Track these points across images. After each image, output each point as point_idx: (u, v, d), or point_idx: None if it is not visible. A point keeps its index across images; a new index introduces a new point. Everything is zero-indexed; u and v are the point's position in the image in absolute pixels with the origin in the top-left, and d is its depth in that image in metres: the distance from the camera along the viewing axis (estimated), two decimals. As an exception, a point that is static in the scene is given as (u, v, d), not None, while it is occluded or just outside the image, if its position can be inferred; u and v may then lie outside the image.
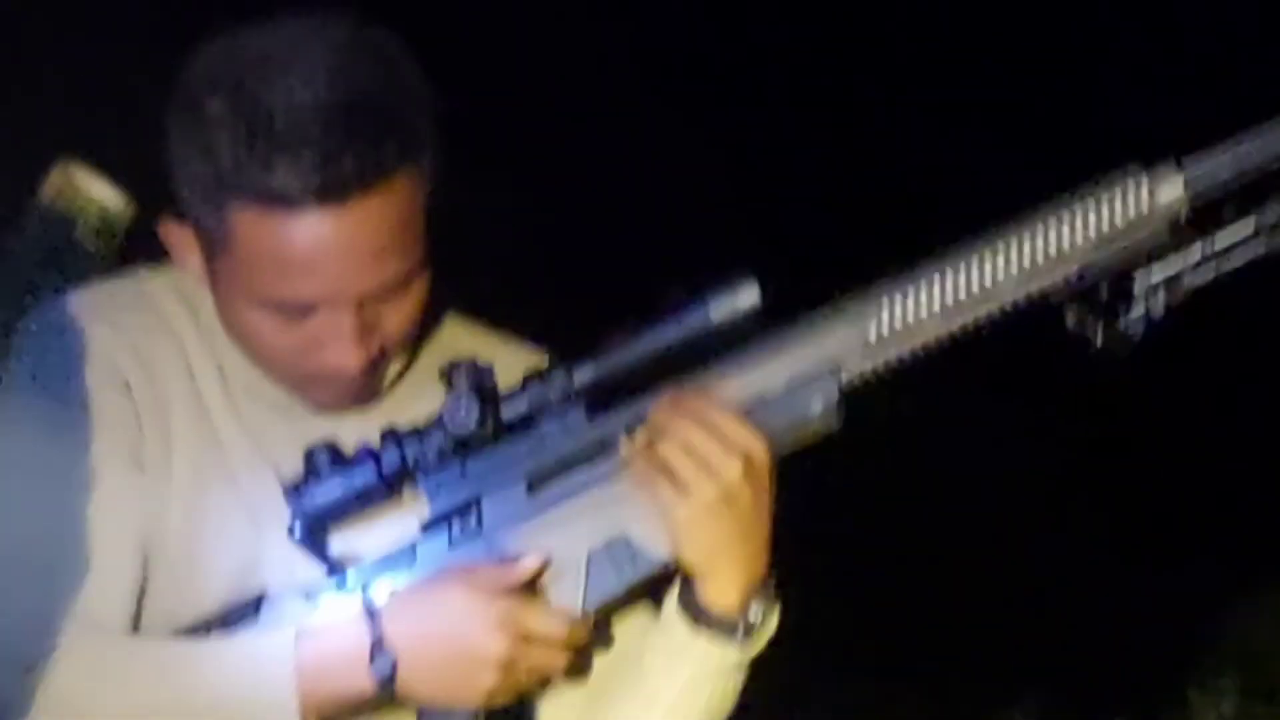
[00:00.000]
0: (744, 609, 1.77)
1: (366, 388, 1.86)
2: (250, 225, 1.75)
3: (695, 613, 1.77)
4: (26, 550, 1.78)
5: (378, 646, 1.72)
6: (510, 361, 1.89)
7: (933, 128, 5.27)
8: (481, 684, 1.72)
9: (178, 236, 1.84)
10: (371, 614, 1.74)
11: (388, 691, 1.73)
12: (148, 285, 1.95)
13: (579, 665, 1.84)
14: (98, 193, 2.52)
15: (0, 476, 1.82)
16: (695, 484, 1.70)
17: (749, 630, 1.78)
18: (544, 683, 1.80)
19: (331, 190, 1.71)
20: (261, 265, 1.76)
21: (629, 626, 1.88)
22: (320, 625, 1.76)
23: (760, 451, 1.71)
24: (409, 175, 1.75)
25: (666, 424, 1.72)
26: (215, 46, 1.78)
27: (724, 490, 1.71)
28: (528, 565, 1.75)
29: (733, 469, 1.70)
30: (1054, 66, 5.30)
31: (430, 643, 1.73)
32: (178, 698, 1.73)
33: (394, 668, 1.72)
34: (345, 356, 1.80)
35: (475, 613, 1.73)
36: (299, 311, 1.78)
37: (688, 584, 1.77)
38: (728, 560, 1.75)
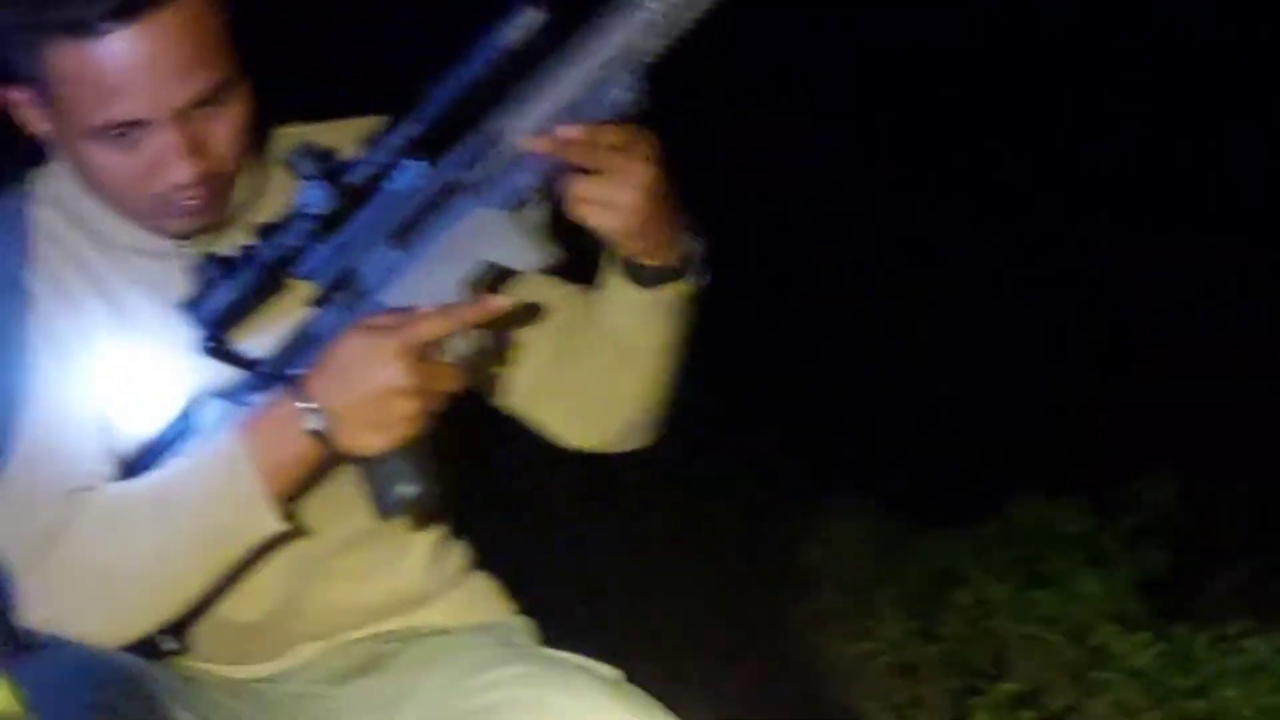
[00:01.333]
0: (677, 260, 2.03)
1: (212, 205, 2.05)
2: (62, 59, 1.94)
3: (647, 277, 2.04)
4: None
5: (305, 406, 1.93)
6: (350, 137, 2.10)
7: None
8: (403, 413, 1.92)
9: (13, 99, 2.03)
10: (291, 383, 1.96)
11: (329, 446, 1.93)
12: (26, 189, 2.15)
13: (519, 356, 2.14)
14: None
15: None
16: (620, 193, 1.92)
17: (688, 270, 2.05)
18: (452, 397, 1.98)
19: (123, 11, 1.90)
20: (82, 95, 1.96)
21: (571, 330, 2.15)
22: (250, 413, 1.98)
23: (644, 141, 1.91)
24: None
25: (570, 154, 1.90)
26: None
27: (641, 187, 1.92)
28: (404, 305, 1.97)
29: (642, 169, 1.91)
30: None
31: (348, 388, 1.93)
32: (169, 524, 1.96)
33: (325, 420, 1.92)
34: (181, 171, 1.98)
35: (375, 351, 1.92)
36: (128, 136, 1.98)
37: (629, 260, 2.03)
38: (656, 231, 1.98)
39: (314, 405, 1.95)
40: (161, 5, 1.92)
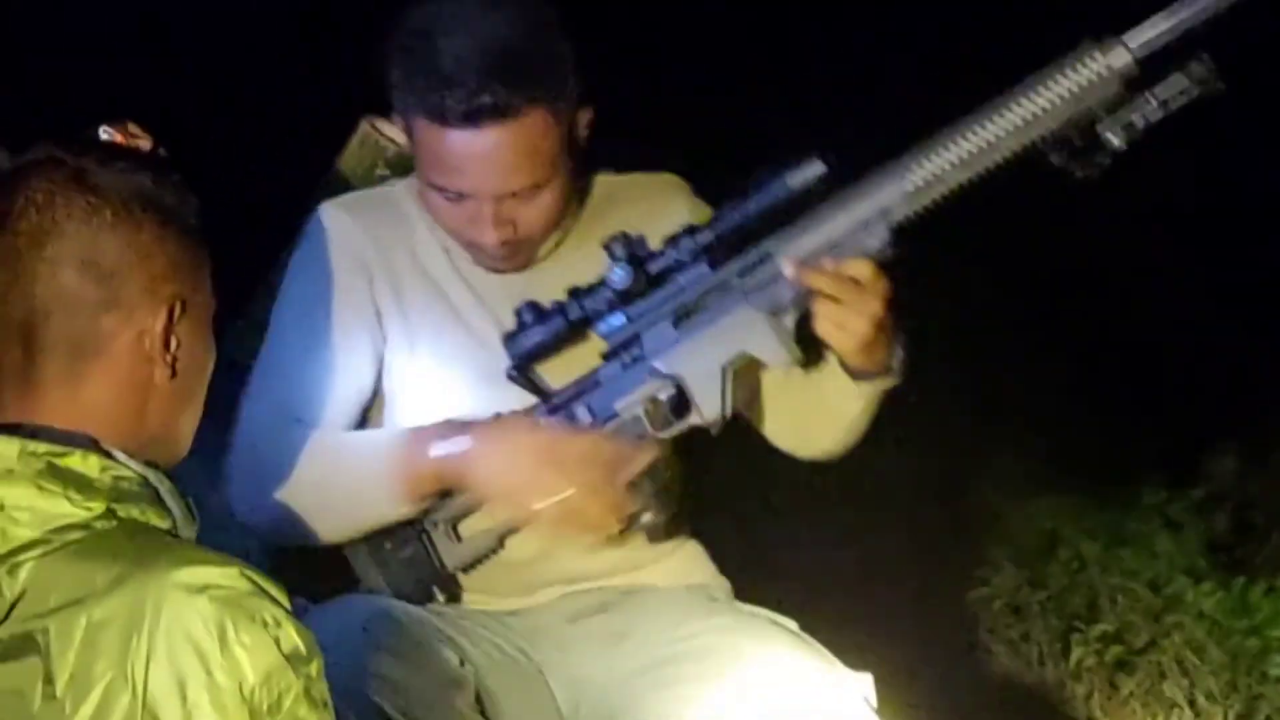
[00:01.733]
0: (885, 366, 2.29)
1: (512, 259, 2.36)
2: (424, 131, 2.26)
3: (860, 377, 2.30)
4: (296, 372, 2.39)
5: (454, 434, 2.26)
6: (652, 188, 2.47)
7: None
8: (540, 487, 2.24)
9: (397, 130, 2.43)
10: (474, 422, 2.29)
11: (449, 470, 2.25)
12: (393, 191, 2.51)
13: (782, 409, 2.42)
14: (398, 135, 3.00)
15: (278, 329, 2.43)
16: (854, 320, 2.19)
17: (894, 373, 2.31)
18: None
19: (472, 118, 2.20)
20: (430, 161, 2.28)
21: (803, 381, 2.37)
22: (431, 427, 2.30)
23: (880, 281, 2.18)
24: (537, 113, 2.23)
25: (819, 282, 2.19)
26: (425, 6, 2.28)
27: (871, 317, 2.18)
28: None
29: (875, 303, 2.18)
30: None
31: (488, 457, 2.26)
32: (337, 471, 2.30)
33: (460, 453, 2.23)
34: (486, 235, 2.30)
35: (527, 445, 2.26)
36: (456, 197, 2.28)
37: (849, 363, 2.28)
38: (874, 351, 2.25)
39: (459, 437, 2.26)
40: (501, 121, 2.21)
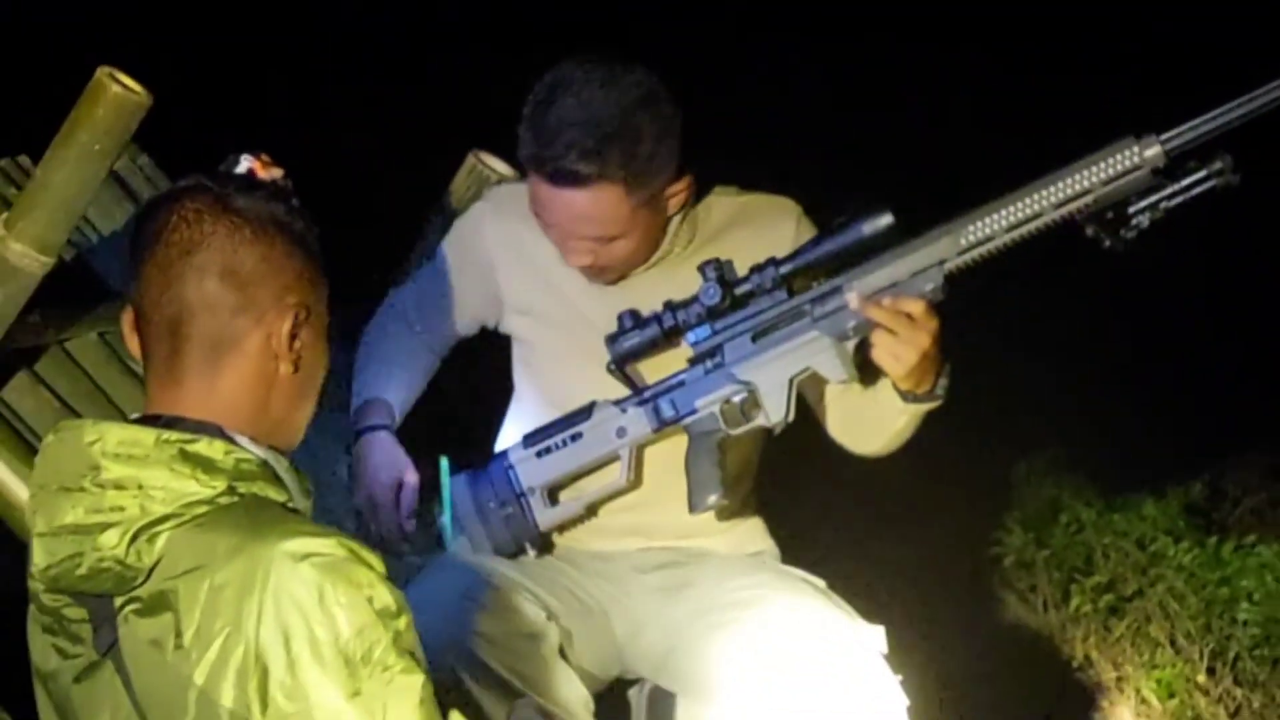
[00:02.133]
0: (932, 391, 2.25)
1: (599, 278, 2.34)
2: (528, 170, 2.24)
3: (908, 399, 2.26)
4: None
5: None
6: (766, 208, 2.40)
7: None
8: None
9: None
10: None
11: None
12: (523, 191, 2.37)
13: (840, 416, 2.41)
14: (498, 165, 3.17)
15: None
16: (905, 350, 2.15)
17: (936, 397, 2.26)
18: None
19: (553, 178, 2.18)
20: (531, 194, 2.26)
21: (859, 391, 2.35)
22: None
23: (932, 321, 2.15)
24: (611, 187, 2.18)
25: (879, 315, 2.16)
26: (560, 70, 2.22)
27: (920, 350, 2.15)
28: None
29: (925, 338, 2.15)
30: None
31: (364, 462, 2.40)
32: (375, 365, 2.56)
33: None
34: (578, 260, 2.28)
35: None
36: (549, 227, 2.27)
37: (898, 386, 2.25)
38: (920, 378, 2.22)
39: None
40: (573, 186, 2.17)
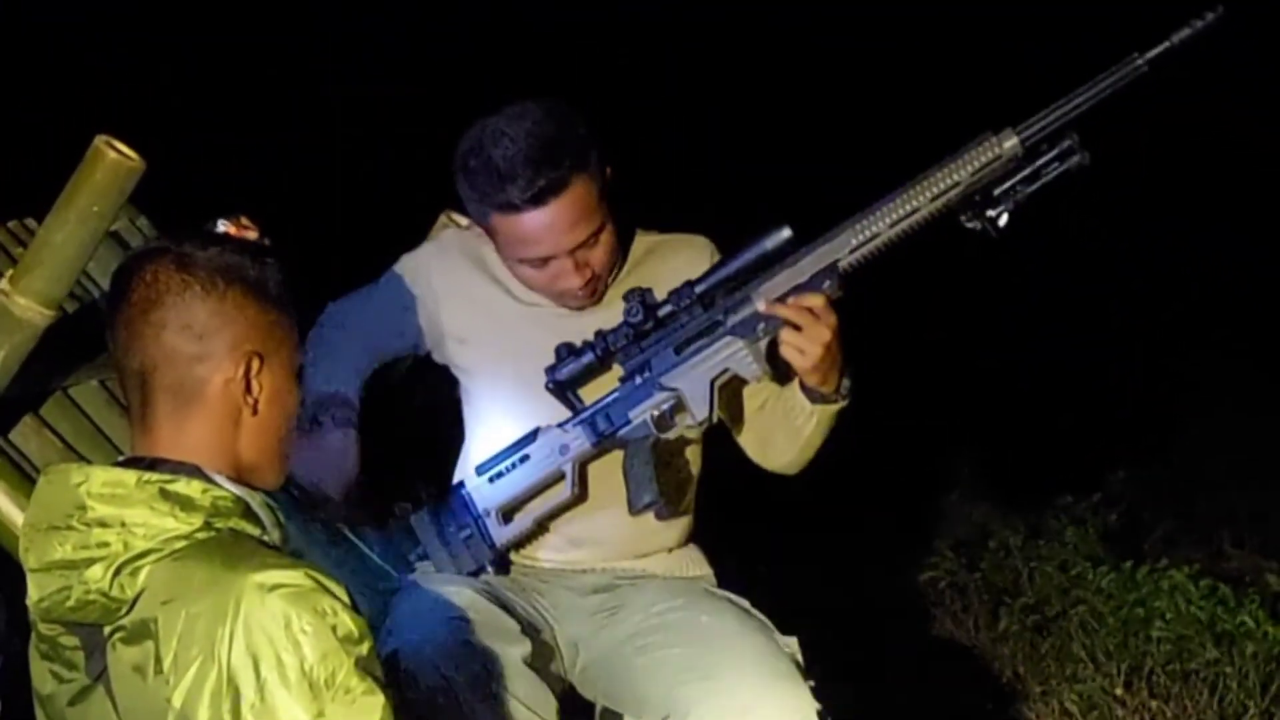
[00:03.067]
0: (837, 389, 2.29)
1: (592, 295, 2.36)
2: (502, 224, 2.26)
3: (814, 396, 2.30)
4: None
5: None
6: (682, 246, 2.44)
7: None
8: None
9: (479, 234, 2.37)
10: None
11: None
12: (470, 236, 2.46)
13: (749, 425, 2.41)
14: (466, 223, 2.94)
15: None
16: (810, 344, 2.19)
17: (841, 396, 2.30)
18: None
19: (536, 199, 2.21)
20: (513, 245, 2.28)
21: (771, 403, 2.38)
22: None
23: (831, 315, 2.19)
24: (580, 180, 2.22)
25: (784, 313, 2.20)
26: (470, 132, 2.26)
27: (823, 342, 2.19)
28: None
29: (826, 331, 2.19)
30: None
31: None
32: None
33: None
34: (571, 283, 2.30)
35: None
36: (541, 262, 2.28)
37: (805, 385, 2.29)
38: (826, 372, 2.25)
39: None
40: (558, 193, 2.21)
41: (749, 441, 2.47)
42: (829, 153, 5.36)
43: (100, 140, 2.04)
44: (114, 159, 2.05)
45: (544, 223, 2.22)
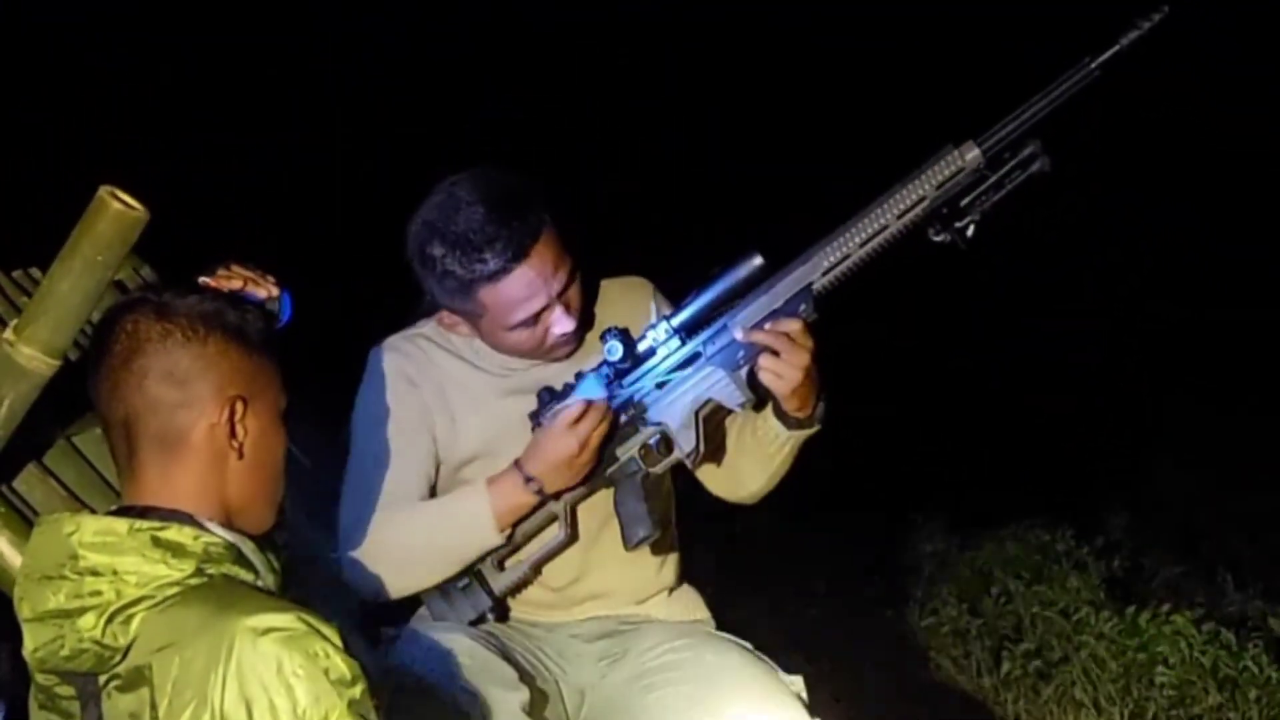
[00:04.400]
0: (813, 414, 2.28)
1: (574, 340, 2.33)
2: (491, 295, 2.23)
3: (789, 422, 2.29)
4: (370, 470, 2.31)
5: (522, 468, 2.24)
6: (627, 289, 2.42)
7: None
8: (578, 463, 2.22)
9: (451, 324, 2.35)
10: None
11: (536, 484, 2.23)
12: (421, 331, 2.41)
13: (717, 455, 2.38)
14: None
15: (355, 445, 2.35)
16: (789, 368, 2.19)
17: (816, 422, 2.29)
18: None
19: (520, 251, 2.19)
20: (507, 310, 2.24)
21: (740, 433, 2.37)
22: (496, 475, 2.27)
23: (808, 339, 2.19)
24: (547, 223, 2.21)
25: (762, 339, 2.19)
26: (417, 220, 2.24)
27: (802, 365, 2.18)
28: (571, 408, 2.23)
29: (805, 355, 2.19)
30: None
31: (544, 453, 2.23)
32: (438, 530, 2.25)
33: (534, 473, 2.22)
34: (565, 326, 2.27)
35: (558, 432, 2.22)
36: (534, 319, 2.25)
37: (779, 407, 2.27)
38: (805, 396, 2.24)
39: (526, 466, 2.24)
40: (536, 242, 2.20)
41: (716, 473, 2.45)
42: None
43: (104, 190, 2.03)
44: (117, 209, 2.04)
45: (532, 274, 2.22)
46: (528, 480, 2.24)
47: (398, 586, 2.27)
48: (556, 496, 2.27)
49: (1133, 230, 5.69)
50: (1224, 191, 5.67)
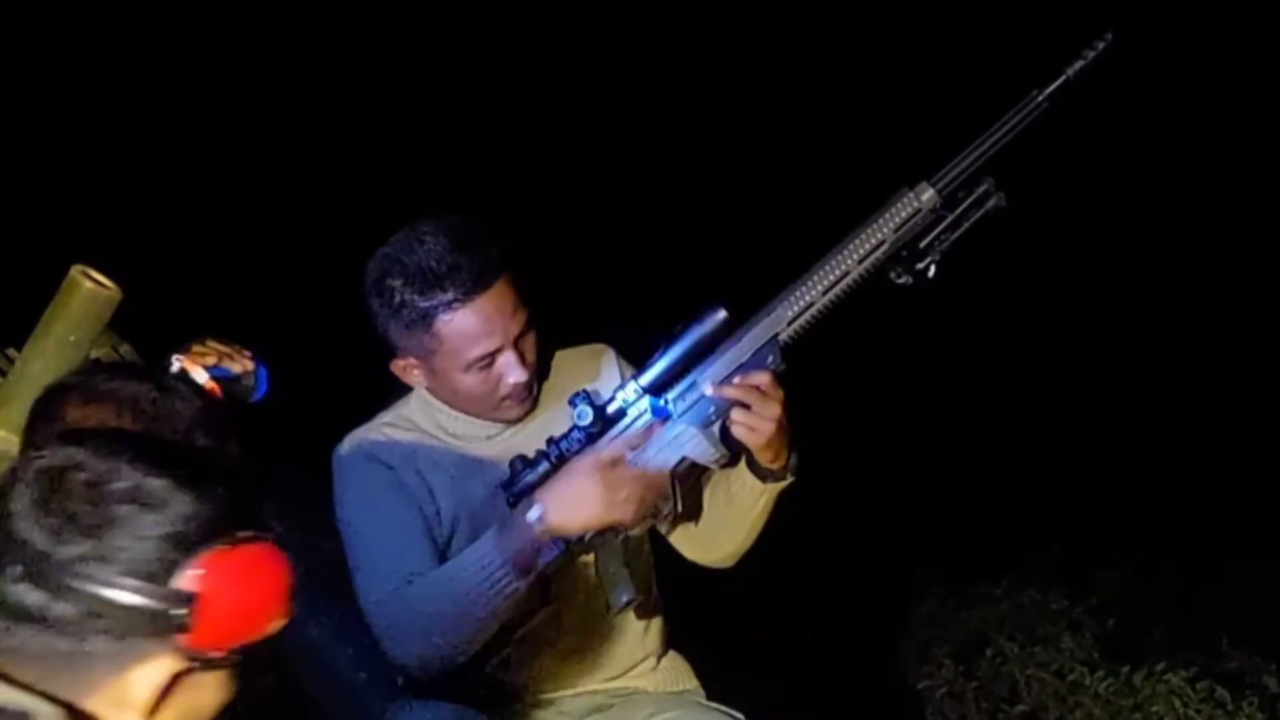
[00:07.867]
0: (786, 465, 2.25)
1: (529, 397, 2.29)
2: (449, 327, 2.18)
3: (763, 474, 2.26)
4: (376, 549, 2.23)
5: (532, 509, 2.13)
6: (585, 356, 2.40)
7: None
8: (599, 509, 2.12)
9: (404, 368, 2.28)
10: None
11: (546, 528, 2.11)
12: (396, 413, 2.37)
13: (691, 510, 2.33)
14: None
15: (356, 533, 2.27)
16: (760, 421, 2.16)
17: (791, 473, 2.26)
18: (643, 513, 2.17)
19: (481, 284, 2.17)
20: (463, 345, 2.20)
21: (713, 493, 2.34)
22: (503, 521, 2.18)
23: (778, 391, 2.16)
24: (505, 273, 2.19)
25: (733, 393, 2.15)
26: (377, 255, 2.22)
27: (774, 417, 2.16)
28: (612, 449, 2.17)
29: (775, 406, 2.16)
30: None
31: (562, 493, 2.13)
32: (457, 584, 2.13)
33: (541, 512, 2.11)
34: (519, 375, 2.23)
35: (584, 471, 2.13)
36: (488, 362, 2.21)
37: (753, 460, 2.24)
38: (778, 448, 2.22)
39: (538, 505, 2.13)
40: (495, 279, 2.17)
41: (691, 536, 2.40)
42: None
43: (76, 270, 2.03)
44: (90, 289, 2.04)
45: (491, 308, 2.18)
46: (538, 517, 2.13)
47: (437, 653, 2.16)
48: (575, 540, 2.18)
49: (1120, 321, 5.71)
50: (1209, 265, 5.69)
